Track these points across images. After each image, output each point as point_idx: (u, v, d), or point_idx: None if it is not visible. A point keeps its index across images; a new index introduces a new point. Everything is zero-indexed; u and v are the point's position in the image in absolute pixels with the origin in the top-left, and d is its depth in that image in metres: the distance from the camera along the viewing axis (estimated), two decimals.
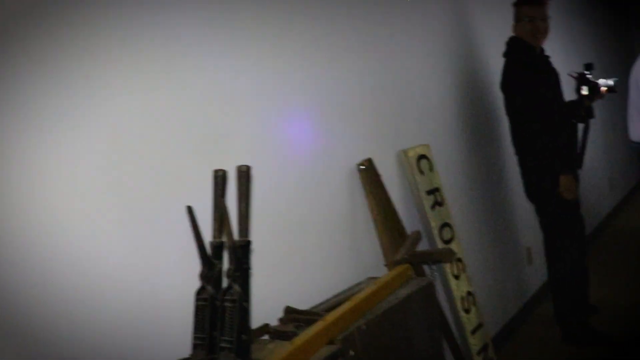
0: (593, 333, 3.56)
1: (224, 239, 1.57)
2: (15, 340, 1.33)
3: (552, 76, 3.57)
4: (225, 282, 1.55)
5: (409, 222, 2.82)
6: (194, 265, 1.57)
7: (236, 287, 1.48)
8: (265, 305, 1.93)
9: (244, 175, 1.51)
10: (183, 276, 1.70)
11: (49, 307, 1.41)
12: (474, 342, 2.94)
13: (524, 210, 4.24)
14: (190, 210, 1.51)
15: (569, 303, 3.59)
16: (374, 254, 2.56)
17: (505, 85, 3.52)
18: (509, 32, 3.61)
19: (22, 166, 1.37)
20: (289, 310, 1.94)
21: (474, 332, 2.96)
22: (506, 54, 3.56)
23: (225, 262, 1.56)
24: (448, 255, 2.45)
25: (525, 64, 3.45)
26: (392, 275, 2.11)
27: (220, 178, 1.57)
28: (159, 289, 1.70)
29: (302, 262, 2.19)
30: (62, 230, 1.45)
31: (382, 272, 2.49)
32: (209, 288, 1.53)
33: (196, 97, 1.85)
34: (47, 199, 1.42)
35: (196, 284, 1.55)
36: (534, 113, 3.35)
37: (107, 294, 1.56)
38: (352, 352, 1.74)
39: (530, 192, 3.61)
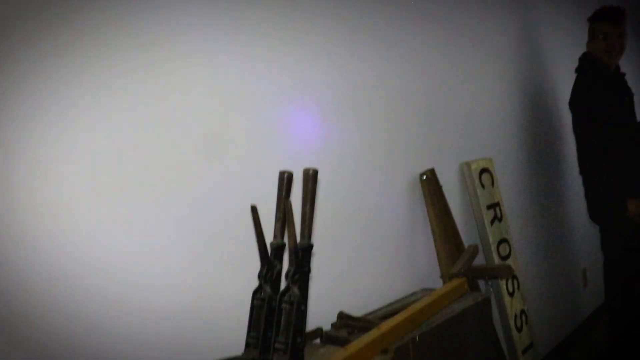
0: None
1: (285, 240, 1.57)
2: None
3: (625, 95, 3.45)
4: (283, 284, 1.55)
5: (467, 235, 2.79)
6: (254, 265, 1.58)
7: (295, 290, 1.48)
8: (319, 308, 1.93)
9: (311, 178, 1.51)
10: (242, 276, 1.71)
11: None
12: None
13: (582, 231, 4.15)
14: (254, 210, 1.52)
15: (624, 328, 3.47)
16: (430, 265, 2.53)
17: (574, 102, 3.42)
18: (581, 50, 3.52)
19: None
20: (342, 316, 1.93)
21: (524, 351, 2.90)
22: (578, 70, 3.47)
23: (284, 264, 1.56)
24: (506, 272, 2.40)
25: (596, 81, 3.35)
26: (448, 288, 2.08)
27: (286, 179, 1.58)
28: (217, 286, 1.71)
29: (358, 269, 2.18)
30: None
31: (437, 284, 2.47)
32: (267, 288, 1.53)
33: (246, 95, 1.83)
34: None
35: (254, 284, 1.57)
36: (601, 131, 3.25)
37: (167, 291, 1.58)
38: None
39: (594, 212, 3.49)
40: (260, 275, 1.55)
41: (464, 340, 1.99)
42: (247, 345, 1.53)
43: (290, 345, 1.45)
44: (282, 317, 1.50)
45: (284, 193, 1.57)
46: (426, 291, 2.30)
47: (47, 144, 1.37)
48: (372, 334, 1.65)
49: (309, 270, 1.51)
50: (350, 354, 1.51)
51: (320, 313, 1.94)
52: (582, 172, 3.46)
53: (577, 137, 3.43)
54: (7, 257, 1.30)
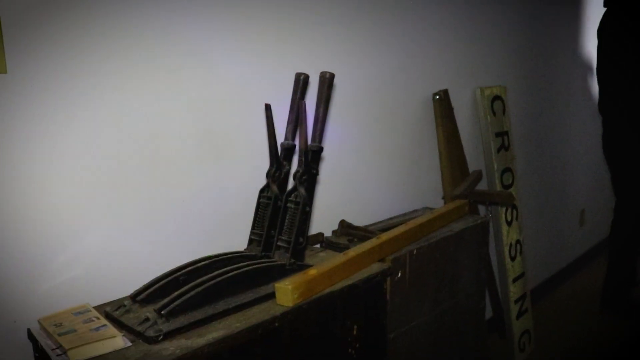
0: (633, 305, 3.51)
1: (296, 142, 1.59)
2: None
3: None
4: (290, 185, 1.57)
5: (473, 161, 2.80)
6: (263, 165, 1.60)
7: (301, 190, 1.50)
8: (322, 215, 1.97)
9: (327, 81, 1.51)
10: (251, 174, 1.73)
11: None
12: (514, 291, 2.95)
13: (584, 171, 4.16)
14: (267, 108, 1.52)
15: (621, 272, 3.51)
16: (434, 185, 2.55)
17: (602, 34, 3.24)
18: None
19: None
20: (344, 224, 1.96)
21: (515, 280, 2.96)
22: (607, 3, 3.29)
23: (293, 166, 1.58)
24: (508, 199, 2.42)
25: (629, 13, 3.17)
26: (450, 207, 2.11)
27: (302, 81, 1.57)
28: (224, 181, 1.74)
29: (363, 180, 2.20)
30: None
31: (438, 204, 2.50)
32: (274, 187, 1.56)
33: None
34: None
35: (261, 183, 1.59)
36: (629, 74, 3.11)
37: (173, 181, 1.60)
38: (400, 274, 1.77)
39: (610, 150, 3.41)
40: (268, 175, 1.57)
41: (459, 260, 2.03)
42: (251, 241, 1.57)
43: (292, 244, 1.49)
44: (287, 217, 1.53)
45: (298, 94, 1.57)
46: (428, 210, 2.33)
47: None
48: (371, 242, 1.69)
49: (317, 173, 1.53)
50: (349, 258, 1.54)
51: (322, 219, 1.98)
52: (602, 111, 3.35)
53: (600, 76, 3.30)
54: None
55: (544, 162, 3.66)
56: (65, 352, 1.15)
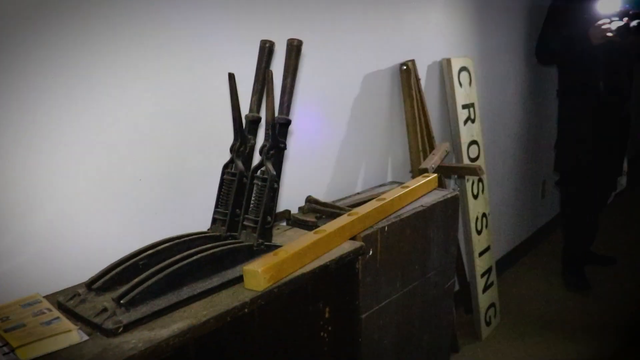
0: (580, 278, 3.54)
1: (262, 115, 1.48)
2: None
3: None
4: (255, 161, 1.47)
5: (440, 133, 2.74)
6: (226, 139, 1.49)
7: (269, 166, 1.40)
8: (287, 191, 1.88)
9: (295, 49, 1.41)
10: (213, 149, 1.63)
11: None
12: (480, 264, 2.92)
13: (545, 143, 4.14)
14: (231, 77, 1.41)
15: (576, 234, 3.53)
16: (401, 159, 2.48)
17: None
18: None
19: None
20: (311, 200, 1.87)
21: (481, 254, 2.93)
22: None
23: (259, 140, 1.48)
24: (476, 172, 2.36)
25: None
26: (420, 182, 2.03)
27: (267, 49, 1.47)
28: (185, 159, 1.63)
29: (329, 155, 2.11)
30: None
31: (405, 178, 2.43)
32: (239, 163, 1.45)
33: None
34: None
35: (224, 159, 1.48)
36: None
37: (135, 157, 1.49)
38: (371, 252, 1.69)
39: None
40: (232, 149, 1.47)
41: (429, 236, 1.97)
42: (214, 221, 1.47)
43: (260, 223, 1.39)
44: (253, 194, 1.43)
45: (264, 64, 1.47)
46: (395, 184, 2.26)
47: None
48: (343, 220, 1.60)
49: (284, 147, 1.43)
50: (320, 237, 1.45)
51: (287, 195, 1.89)
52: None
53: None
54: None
55: (507, 133, 3.62)
56: (12, 351, 1.04)
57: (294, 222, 1.80)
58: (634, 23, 2.86)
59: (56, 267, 1.36)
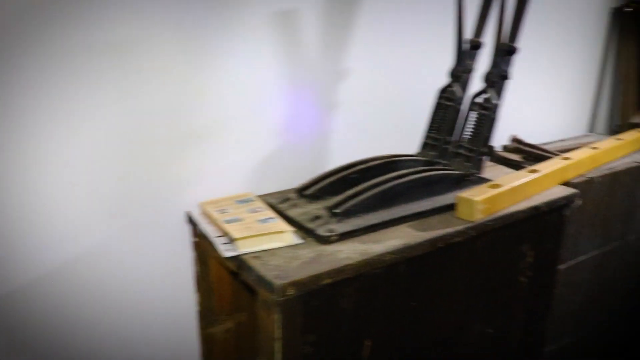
0: None
1: (486, 40, 1.39)
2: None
3: None
4: (472, 88, 1.39)
5: None
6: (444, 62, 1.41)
7: (492, 94, 1.31)
8: None
9: None
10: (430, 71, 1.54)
11: None
12: None
13: None
14: None
15: None
16: (602, 112, 2.28)
17: None
18: None
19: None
20: (517, 141, 1.77)
21: None
22: None
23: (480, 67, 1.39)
24: None
25: None
26: (635, 136, 1.86)
27: None
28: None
29: (529, 97, 1.96)
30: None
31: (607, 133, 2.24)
32: (457, 88, 1.37)
33: None
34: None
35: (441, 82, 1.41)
36: None
37: None
38: (579, 202, 1.57)
39: None
40: (452, 73, 1.39)
41: (637, 195, 1.80)
42: (424, 145, 1.41)
43: (476, 153, 1.32)
44: (471, 122, 1.35)
45: None
46: (588, 137, 2.09)
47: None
48: (556, 163, 1.49)
49: (508, 77, 1.33)
50: (535, 178, 1.36)
51: None
52: None
53: None
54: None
55: None
56: (232, 241, 1.05)
57: (498, 159, 1.70)
58: None
59: (264, 170, 1.37)
